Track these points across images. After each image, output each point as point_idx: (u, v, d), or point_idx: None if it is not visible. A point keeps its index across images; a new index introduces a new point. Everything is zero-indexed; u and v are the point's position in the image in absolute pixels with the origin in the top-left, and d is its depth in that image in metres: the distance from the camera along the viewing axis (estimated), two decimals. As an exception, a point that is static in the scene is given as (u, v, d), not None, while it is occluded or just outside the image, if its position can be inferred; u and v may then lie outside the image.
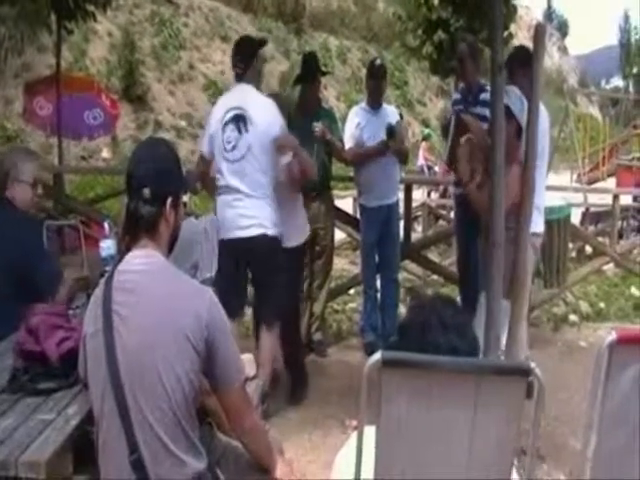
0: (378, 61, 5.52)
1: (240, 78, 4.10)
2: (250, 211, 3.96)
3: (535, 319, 6.03)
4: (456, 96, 5.10)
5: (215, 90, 20.85)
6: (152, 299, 1.88)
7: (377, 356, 1.30)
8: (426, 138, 18.78)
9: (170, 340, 1.83)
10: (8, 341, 2.59)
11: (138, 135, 18.32)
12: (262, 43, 4.39)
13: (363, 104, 5.42)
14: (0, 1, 7.24)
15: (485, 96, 4.34)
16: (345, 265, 8.62)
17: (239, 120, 3.95)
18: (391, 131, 5.00)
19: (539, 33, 3.15)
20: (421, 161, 17.83)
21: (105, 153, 16.64)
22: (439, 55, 13.48)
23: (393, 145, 5.04)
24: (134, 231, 1.98)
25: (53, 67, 10.01)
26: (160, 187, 1.98)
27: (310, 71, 5.11)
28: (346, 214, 6.06)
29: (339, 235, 7.74)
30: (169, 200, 1.99)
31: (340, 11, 29.62)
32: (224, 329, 1.93)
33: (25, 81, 12.00)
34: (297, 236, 4.35)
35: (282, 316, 4.10)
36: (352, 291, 6.60)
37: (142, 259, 1.94)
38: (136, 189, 1.96)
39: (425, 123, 25.45)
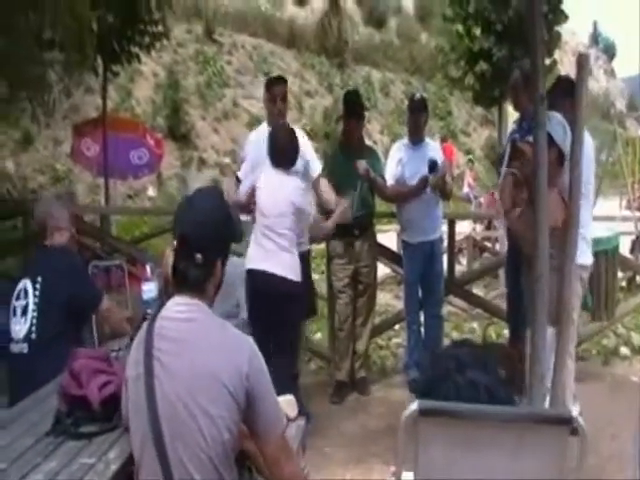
0: (418, 95, 5.56)
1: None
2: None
3: (584, 352, 5.89)
4: (513, 127, 5.04)
5: (259, 126, 21.17)
6: (193, 349, 1.90)
7: (414, 406, 1.29)
8: (471, 164, 18.73)
9: (209, 390, 1.85)
10: (54, 383, 2.65)
11: (182, 173, 18.68)
12: None
13: (405, 140, 5.43)
14: (49, 47, 7.50)
15: None
16: (390, 300, 8.57)
17: None
18: (433, 166, 4.99)
19: (582, 62, 3.12)
20: (466, 189, 17.73)
21: (151, 191, 16.99)
22: (482, 85, 13.43)
23: (434, 181, 5.02)
24: (180, 287, 2.00)
25: (100, 108, 10.31)
26: (214, 252, 1.99)
27: (352, 109, 5.17)
28: (389, 251, 6.05)
29: (383, 269, 7.70)
30: (219, 261, 2.01)
31: (383, 44, 29.83)
32: (264, 380, 1.94)
33: (73, 122, 12.38)
34: None
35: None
36: (397, 326, 6.55)
37: (185, 306, 1.97)
38: (188, 251, 1.96)
39: (469, 153, 25.26)
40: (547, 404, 2.97)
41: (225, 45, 24.23)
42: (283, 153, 4.27)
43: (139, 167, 11.03)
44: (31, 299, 3.26)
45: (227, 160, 20.20)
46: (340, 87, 23.33)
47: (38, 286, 3.29)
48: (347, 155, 4.93)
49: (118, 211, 9.75)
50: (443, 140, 18.41)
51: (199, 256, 1.95)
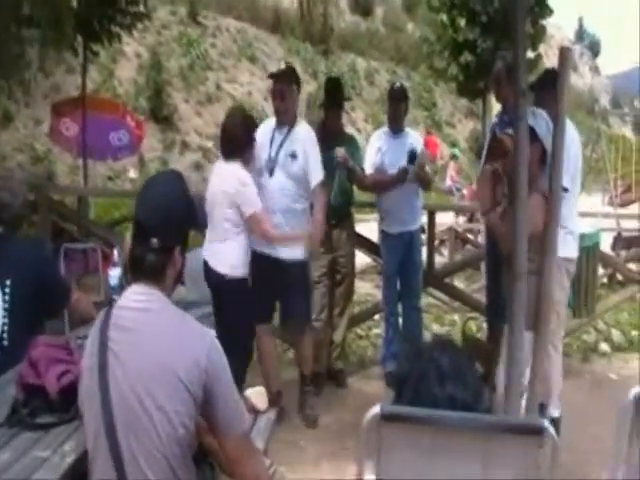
0: (397, 84, 5.48)
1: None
2: None
3: (564, 347, 5.87)
4: (494, 119, 4.95)
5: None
6: (149, 340, 1.82)
7: (376, 410, 1.22)
8: (454, 157, 18.65)
9: (164, 384, 1.77)
10: (14, 372, 2.55)
11: (165, 156, 18.52)
12: None
13: (385, 128, 5.35)
14: (27, 24, 7.33)
15: None
16: (370, 289, 8.51)
17: None
18: (413, 157, 4.91)
19: (564, 55, 3.05)
20: (449, 182, 17.70)
21: (132, 173, 16.80)
22: (466, 77, 13.39)
23: (416, 172, 4.94)
24: (137, 274, 1.92)
25: (81, 88, 10.14)
26: (170, 238, 1.91)
27: (333, 96, 5.07)
28: (367, 240, 5.97)
29: (364, 259, 7.63)
30: (177, 248, 1.92)
31: (368, 32, 29.75)
32: (224, 375, 1.86)
33: (50, 103, 12.18)
34: None
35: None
36: (377, 316, 6.47)
37: (142, 296, 1.88)
38: (143, 236, 1.88)
39: (454, 145, 25.27)
40: (523, 404, 2.91)
41: (209, 28, 24.03)
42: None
43: (119, 148, 10.85)
44: (0, 304, 2.97)
45: (210, 144, 20.06)
46: (324, 74, 23.19)
47: (7, 290, 2.98)
48: (326, 143, 4.82)
49: (96, 192, 9.59)
50: (427, 133, 18.26)
51: (154, 241, 1.86)
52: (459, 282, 8.94)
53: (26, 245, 3.22)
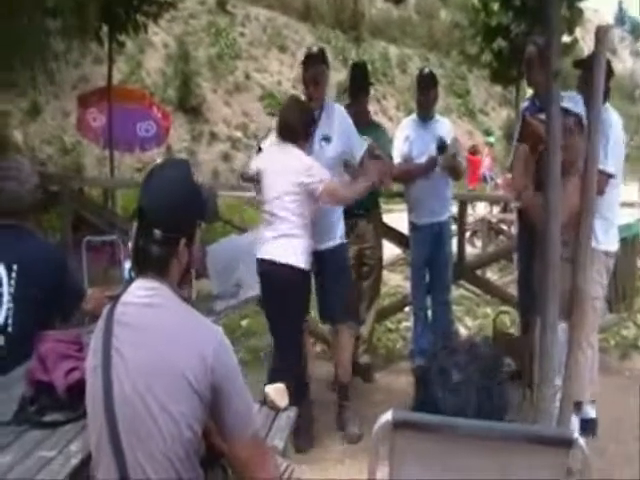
0: (426, 70, 5.32)
1: None
2: None
3: (601, 343, 5.70)
4: (525, 103, 4.83)
5: (271, 100, 20.95)
6: (153, 338, 1.75)
7: (387, 416, 1.13)
8: (489, 145, 18.36)
9: (169, 384, 1.70)
10: (24, 367, 2.50)
11: (193, 146, 18.55)
12: None
13: (414, 116, 5.25)
14: (52, 14, 7.34)
15: None
16: (400, 281, 8.41)
17: None
18: (442, 146, 4.78)
19: (600, 35, 2.91)
20: (483, 169, 17.42)
21: (160, 164, 16.93)
22: (499, 63, 13.11)
23: (444, 161, 4.81)
24: (141, 267, 1.85)
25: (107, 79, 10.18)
26: (174, 229, 1.82)
27: (358, 83, 4.98)
28: (396, 232, 5.86)
29: (394, 250, 7.53)
30: (182, 241, 1.84)
31: (400, 19, 29.47)
32: (233, 374, 1.78)
33: (78, 93, 12.26)
34: None
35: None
36: (407, 309, 6.37)
37: (146, 291, 1.81)
38: (146, 226, 1.81)
39: (488, 133, 24.94)
40: (557, 405, 2.79)
41: (238, 17, 23.99)
42: (284, 131, 3.96)
43: (146, 139, 10.90)
44: (5, 288, 2.93)
45: (238, 134, 20.09)
46: (361, 60, 23.08)
47: (14, 275, 2.95)
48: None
49: (121, 184, 9.60)
50: (472, 152, 17.60)
51: (157, 232, 1.79)
52: (492, 274, 8.78)
53: (39, 245, 3.17)
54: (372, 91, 5.31)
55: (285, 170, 3.84)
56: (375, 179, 4.08)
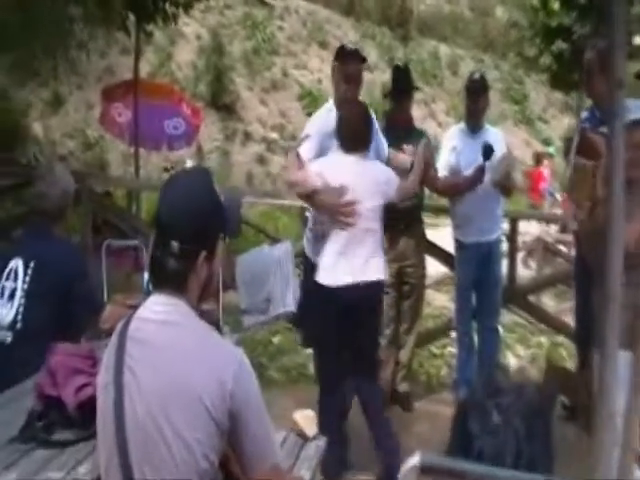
0: (477, 74, 5.27)
1: None
2: None
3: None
4: (584, 114, 4.75)
5: (311, 100, 21.03)
6: (169, 358, 1.75)
7: (414, 461, 1.12)
8: (548, 156, 18.11)
9: (185, 409, 1.70)
10: (33, 380, 2.54)
11: (225, 146, 18.66)
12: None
13: (461, 125, 5.22)
14: (73, 1, 7.46)
15: None
16: (446, 302, 8.35)
17: None
18: (488, 151, 4.70)
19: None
20: (542, 184, 17.18)
21: (189, 165, 17.04)
22: (559, 66, 12.99)
23: (496, 175, 4.76)
24: (158, 280, 1.87)
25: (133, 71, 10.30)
26: (193, 243, 1.83)
27: (400, 86, 4.99)
28: (441, 250, 5.83)
29: (439, 268, 7.48)
30: (202, 255, 1.85)
31: (452, 17, 29.34)
32: (253, 400, 1.79)
33: (103, 86, 12.42)
34: None
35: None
36: (454, 333, 6.34)
37: (163, 307, 1.82)
38: (163, 238, 1.83)
39: (547, 143, 24.67)
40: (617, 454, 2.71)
41: (277, 9, 24.13)
42: (359, 135, 3.99)
43: (174, 137, 10.99)
44: (20, 284, 3.12)
45: (274, 135, 20.15)
46: (403, 62, 23.05)
47: (30, 272, 3.15)
48: (392, 138, 4.70)
49: (144, 185, 9.68)
50: (537, 160, 17.30)
51: (175, 244, 1.80)
52: (548, 300, 8.67)
53: (60, 246, 3.38)
54: (420, 94, 5.29)
55: (371, 183, 3.93)
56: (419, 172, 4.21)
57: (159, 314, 1.81)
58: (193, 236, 1.83)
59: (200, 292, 1.89)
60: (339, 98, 4.27)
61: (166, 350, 1.76)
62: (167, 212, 1.84)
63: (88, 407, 2.16)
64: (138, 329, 1.80)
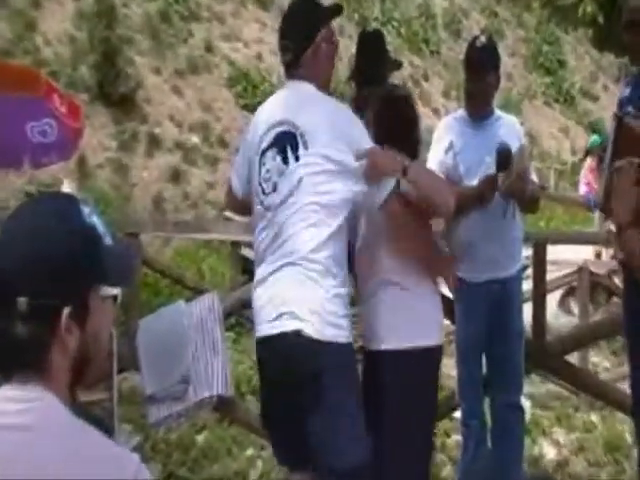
0: (482, 38, 5.31)
1: (291, 72, 4.06)
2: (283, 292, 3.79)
3: None
4: (625, 91, 4.76)
5: (247, 85, 21.18)
6: (35, 474, 1.75)
7: None
8: (593, 148, 18.39)
9: None
10: None
11: (122, 158, 18.63)
12: (334, 11, 4.25)
13: (461, 112, 5.33)
14: None
15: None
16: (451, 369, 8.41)
17: (286, 142, 3.87)
18: (505, 158, 4.75)
19: None
20: (584, 188, 17.38)
21: (66, 187, 16.94)
22: (606, 18, 13.23)
23: (508, 183, 4.80)
24: (4, 363, 1.86)
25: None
26: (48, 296, 1.84)
27: (370, 62, 5.15)
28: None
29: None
30: (65, 312, 1.86)
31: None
32: None
33: None
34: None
35: None
36: (458, 413, 6.38)
37: (15, 404, 1.82)
38: (5, 297, 1.81)
39: (594, 129, 25.00)
40: None
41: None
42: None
43: (42, 148, 10.92)
44: None
45: (195, 139, 20.17)
46: (380, 22, 23.31)
47: None
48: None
49: None
50: (587, 152, 17.51)
51: (22, 300, 1.80)
52: (599, 359, 8.79)
53: None
54: (407, 69, 5.42)
55: None
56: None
57: (10, 416, 1.81)
58: (47, 285, 1.84)
59: (72, 372, 1.90)
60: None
61: (20, 467, 1.75)
62: (6, 257, 1.85)
63: None
64: None
